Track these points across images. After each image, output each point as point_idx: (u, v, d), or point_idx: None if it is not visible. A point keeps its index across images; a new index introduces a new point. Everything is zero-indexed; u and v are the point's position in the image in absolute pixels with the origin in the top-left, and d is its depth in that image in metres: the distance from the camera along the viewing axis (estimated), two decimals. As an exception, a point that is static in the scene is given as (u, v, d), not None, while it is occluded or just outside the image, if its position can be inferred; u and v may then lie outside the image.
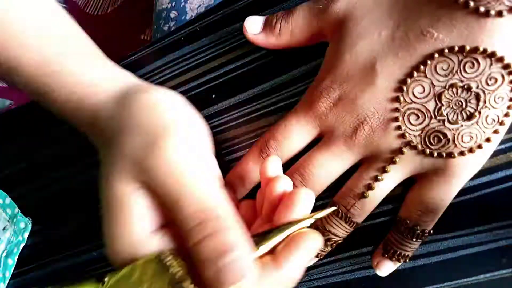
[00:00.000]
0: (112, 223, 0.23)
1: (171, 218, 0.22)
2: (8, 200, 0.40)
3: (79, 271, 0.37)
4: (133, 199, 0.23)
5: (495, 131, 0.24)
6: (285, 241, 0.22)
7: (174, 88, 0.35)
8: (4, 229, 0.39)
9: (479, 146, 0.24)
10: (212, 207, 0.22)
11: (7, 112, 0.43)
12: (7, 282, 0.39)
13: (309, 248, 0.22)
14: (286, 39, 0.29)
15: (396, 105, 0.24)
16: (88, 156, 0.38)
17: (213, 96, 0.33)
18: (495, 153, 0.25)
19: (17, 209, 0.40)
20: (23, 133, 0.41)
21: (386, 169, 0.25)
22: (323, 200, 0.29)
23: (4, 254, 0.39)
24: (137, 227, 0.22)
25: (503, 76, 0.23)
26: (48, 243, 0.39)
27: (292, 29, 0.28)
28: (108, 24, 0.47)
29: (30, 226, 0.40)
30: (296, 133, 0.27)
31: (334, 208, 0.26)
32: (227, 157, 0.32)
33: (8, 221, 0.39)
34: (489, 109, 0.23)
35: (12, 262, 0.39)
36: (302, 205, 0.23)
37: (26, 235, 0.40)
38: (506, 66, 0.22)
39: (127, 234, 0.22)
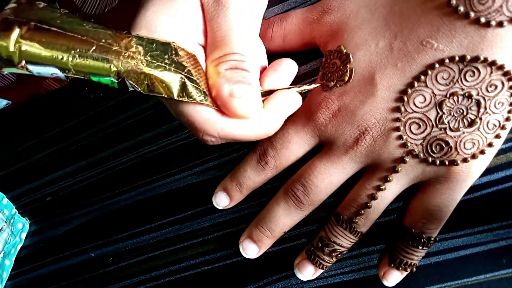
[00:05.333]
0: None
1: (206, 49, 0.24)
2: (5, 200, 0.40)
3: (77, 272, 0.37)
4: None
5: (497, 136, 0.24)
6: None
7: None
8: (1, 229, 0.39)
9: (482, 152, 0.24)
10: (248, 55, 0.24)
11: (5, 112, 0.43)
12: (4, 283, 0.39)
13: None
14: (278, 44, 0.29)
15: (397, 115, 0.24)
16: (87, 156, 0.37)
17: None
18: (495, 153, 0.25)
19: (14, 210, 0.40)
20: (21, 133, 0.41)
21: (388, 178, 0.26)
22: (325, 208, 0.29)
23: (1, 255, 0.39)
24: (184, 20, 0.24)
25: (502, 83, 0.23)
26: (45, 244, 0.38)
27: (284, 35, 0.28)
28: (105, 24, 0.47)
29: (27, 226, 0.39)
30: (294, 143, 0.28)
31: (318, 85, 0.27)
32: (227, 158, 0.32)
33: (6, 222, 0.39)
34: (490, 114, 0.23)
35: (9, 263, 0.39)
36: (288, 69, 0.26)
37: (23, 235, 0.39)
38: (506, 73, 0.22)
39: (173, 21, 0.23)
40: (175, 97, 0.22)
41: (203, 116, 0.23)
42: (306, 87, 0.26)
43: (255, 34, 0.25)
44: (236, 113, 0.22)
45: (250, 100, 0.22)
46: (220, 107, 0.23)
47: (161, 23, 0.23)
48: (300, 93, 0.26)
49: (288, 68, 0.26)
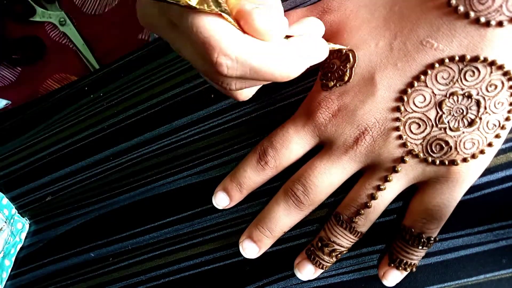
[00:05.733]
0: None
1: None
2: (5, 200, 0.40)
3: (77, 272, 0.36)
4: None
5: (497, 136, 0.24)
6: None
7: (173, 87, 0.35)
8: (1, 230, 0.39)
9: (482, 152, 0.24)
10: None
11: (5, 112, 0.43)
12: (4, 283, 0.39)
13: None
14: None
15: (397, 114, 0.24)
16: (87, 156, 0.37)
17: (212, 96, 0.33)
18: (495, 153, 0.25)
19: (14, 210, 0.40)
20: (21, 133, 0.41)
21: (388, 178, 0.26)
22: (324, 208, 0.29)
23: (1, 255, 0.38)
24: None
25: (502, 83, 0.23)
26: (45, 244, 0.38)
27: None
28: (105, 24, 0.47)
29: (27, 227, 0.39)
30: (294, 143, 0.28)
31: (346, 47, 0.25)
32: (227, 157, 0.32)
33: (5, 222, 0.39)
34: (489, 114, 0.23)
35: (9, 263, 0.39)
36: (313, 25, 0.23)
37: (23, 235, 0.39)
38: (506, 73, 0.22)
39: None
40: (194, 5, 0.19)
41: (222, 30, 0.19)
42: (332, 45, 0.25)
43: None
44: (258, 27, 0.19)
45: (273, 18, 0.20)
46: (242, 25, 0.20)
47: None
48: None
49: (314, 24, 0.24)
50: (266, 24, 0.19)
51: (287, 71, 0.21)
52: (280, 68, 0.21)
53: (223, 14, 0.19)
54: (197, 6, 0.19)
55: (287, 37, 0.22)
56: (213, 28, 0.19)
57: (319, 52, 0.23)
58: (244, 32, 0.20)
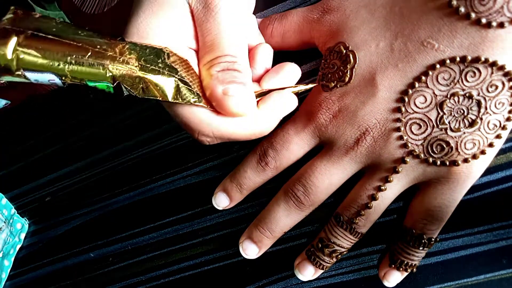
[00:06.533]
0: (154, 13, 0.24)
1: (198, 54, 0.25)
2: (4, 200, 0.40)
3: (76, 273, 0.36)
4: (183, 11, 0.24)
5: (498, 136, 0.24)
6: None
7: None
8: (0, 230, 0.38)
9: (482, 152, 0.24)
10: (238, 56, 0.24)
11: (4, 112, 0.43)
12: (3, 283, 0.39)
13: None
14: (277, 41, 0.29)
15: (398, 115, 0.24)
16: (87, 156, 0.37)
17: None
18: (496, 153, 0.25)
19: (13, 210, 0.40)
20: (20, 133, 0.41)
21: (389, 179, 0.26)
22: (325, 209, 0.29)
23: (0, 255, 0.38)
24: (176, 26, 0.24)
25: (503, 83, 0.23)
26: (45, 244, 0.38)
27: (284, 32, 0.28)
28: (105, 23, 0.47)
29: (26, 227, 0.39)
30: (295, 143, 0.28)
31: (315, 85, 0.27)
32: (227, 157, 0.32)
33: (5, 222, 0.39)
34: (490, 115, 0.23)
35: (8, 263, 0.39)
36: (290, 73, 0.27)
37: (22, 236, 0.39)
38: (506, 74, 0.22)
39: (164, 24, 0.24)
40: (170, 100, 0.22)
41: (198, 116, 0.23)
42: (302, 87, 0.26)
43: (245, 35, 0.25)
44: (230, 111, 0.23)
45: (244, 98, 0.23)
46: (215, 106, 0.23)
47: (152, 30, 0.23)
48: (297, 93, 0.27)
49: (290, 72, 0.27)
50: (237, 107, 0.23)
51: (260, 133, 0.26)
52: (254, 133, 0.25)
53: (195, 103, 0.23)
54: (172, 100, 0.23)
55: (261, 94, 0.26)
56: (191, 115, 0.24)
57: (288, 107, 0.26)
58: (218, 112, 0.24)
